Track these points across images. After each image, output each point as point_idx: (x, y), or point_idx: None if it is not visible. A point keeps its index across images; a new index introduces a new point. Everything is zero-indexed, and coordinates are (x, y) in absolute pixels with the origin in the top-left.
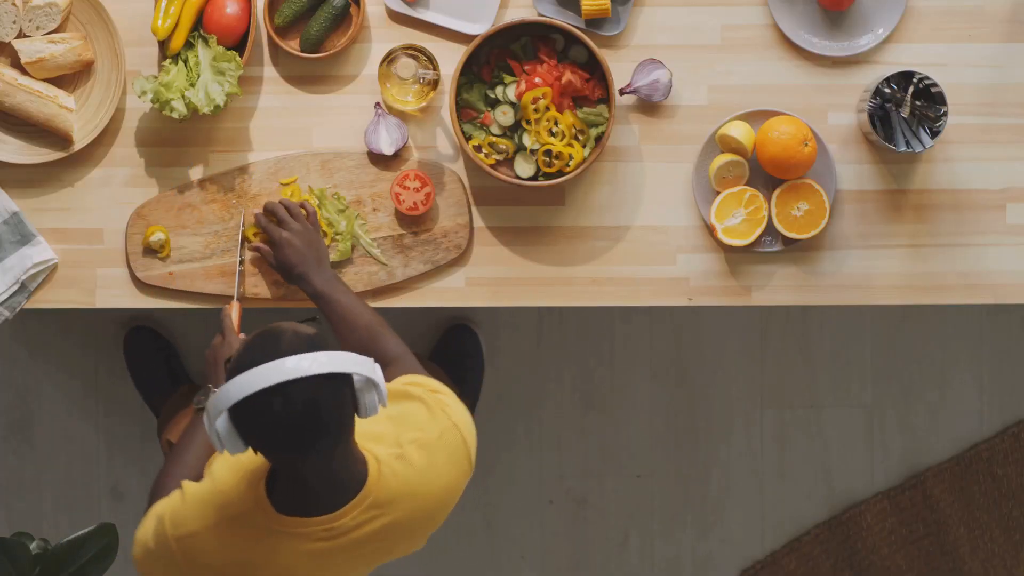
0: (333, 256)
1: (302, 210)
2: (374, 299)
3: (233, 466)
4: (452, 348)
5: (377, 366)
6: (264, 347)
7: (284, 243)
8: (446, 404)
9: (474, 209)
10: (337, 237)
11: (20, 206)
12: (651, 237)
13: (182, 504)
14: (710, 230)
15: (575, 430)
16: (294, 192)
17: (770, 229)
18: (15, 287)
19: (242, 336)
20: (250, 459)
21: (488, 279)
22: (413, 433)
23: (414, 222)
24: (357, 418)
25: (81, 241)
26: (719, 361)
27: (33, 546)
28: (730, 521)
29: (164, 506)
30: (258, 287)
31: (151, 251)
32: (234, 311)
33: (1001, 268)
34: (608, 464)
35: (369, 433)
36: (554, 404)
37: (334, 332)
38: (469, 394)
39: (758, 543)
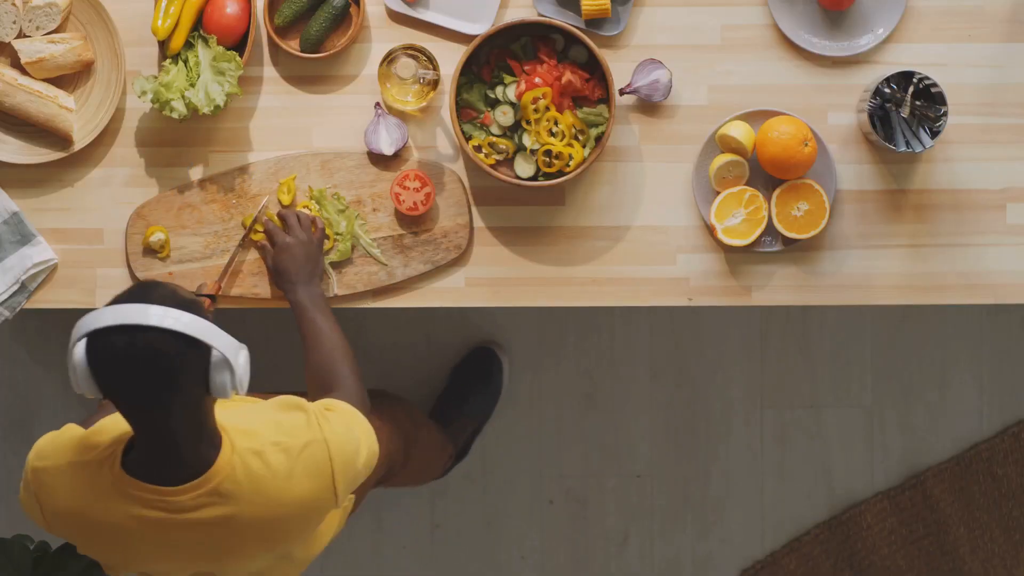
0: (333, 256)
1: (312, 226)
2: (374, 299)
3: (114, 424)
4: (471, 368)
5: (243, 349)
6: (136, 292)
7: (286, 247)
8: (327, 418)
9: (474, 209)
10: (337, 237)
11: (20, 206)
12: (651, 237)
13: (53, 440)
14: (710, 230)
15: (575, 430)
16: (290, 190)
17: (770, 229)
18: (15, 287)
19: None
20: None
21: (488, 279)
22: (281, 437)
23: (414, 222)
24: (247, 410)
25: (81, 241)
26: (719, 361)
27: (33, 547)
28: (730, 521)
29: (40, 441)
30: (257, 287)
31: (151, 251)
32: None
33: (1001, 268)
34: (608, 464)
35: (245, 430)
36: (554, 404)
37: (302, 346)
38: (477, 415)
39: (758, 543)
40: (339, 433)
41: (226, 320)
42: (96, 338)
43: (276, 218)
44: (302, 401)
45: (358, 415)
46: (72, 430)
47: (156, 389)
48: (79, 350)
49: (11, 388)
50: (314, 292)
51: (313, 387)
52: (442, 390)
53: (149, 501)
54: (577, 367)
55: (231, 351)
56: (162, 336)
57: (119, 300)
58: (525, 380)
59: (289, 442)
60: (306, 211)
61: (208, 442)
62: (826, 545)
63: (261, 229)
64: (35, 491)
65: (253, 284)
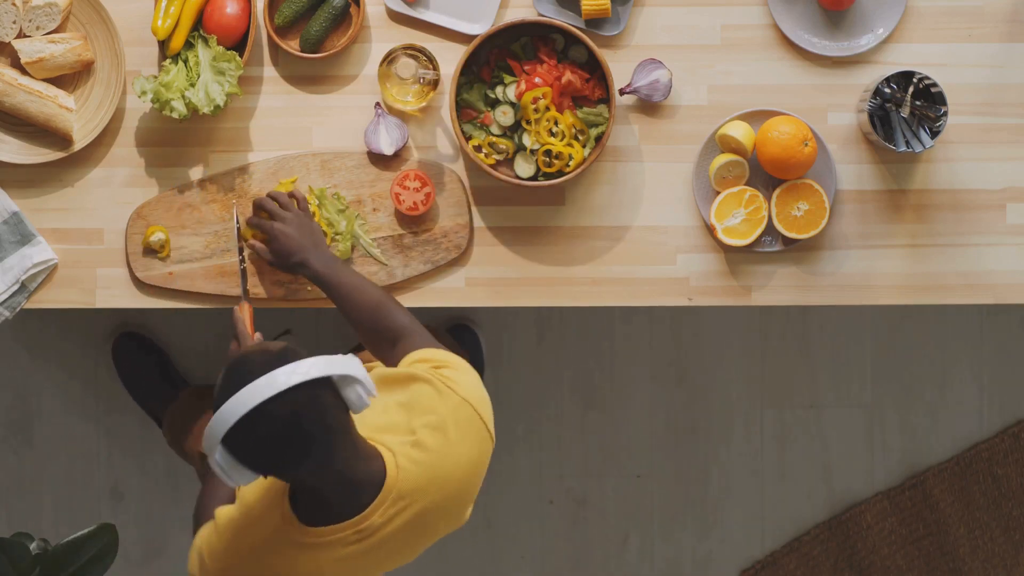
0: None
1: (292, 200)
2: None
3: (260, 484)
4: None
5: (353, 360)
6: (234, 376)
7: (278, 233)
8: (452, 380)
9: (474, 209)
10: (337, 237)
11: (20, 206)
12: (651, 237)
13: (216, 536)
14: (710, 230)
15: (575, 430)
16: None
17: (770, 229)
18: (15, 287)
19: (258, 336)
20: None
21: (488, 279)
22: (424, 417)
23: (414, 222)
24: (360, 414)
25: (81, 241)
26: (719, 361)
27: (33, 546)
28: (730, 521)
29: (202, 539)
30: (258, 287)
31: (151, 251)
32: (244, 312)
33: (1001, 268)
34: (608, 464)
35: (381, 424)
36: (554, 404)
37: (341, 312)
38: None
39: (758, 543)
40: (469, 384)
41: (226, 319)
42: (233, 435)
43: (262, 211)
44: (409, 371)
45: (454, 356)
46: (225, 516)
47: (305, 447)
48: (219, 455)
49: (11, 388)
50: (326, 257)
51: (376, 345)
52: None
53: (347, 539)
54: (577, 367)
55: (342, 366)
56: (290, 396)
57: (224, 393)
58: (525, 380)
59: (434, 419)
60: (281, 192)
61: (368, 457)
62: (826, 545)
63: (249, 231)
64: None
65: (253, 284)
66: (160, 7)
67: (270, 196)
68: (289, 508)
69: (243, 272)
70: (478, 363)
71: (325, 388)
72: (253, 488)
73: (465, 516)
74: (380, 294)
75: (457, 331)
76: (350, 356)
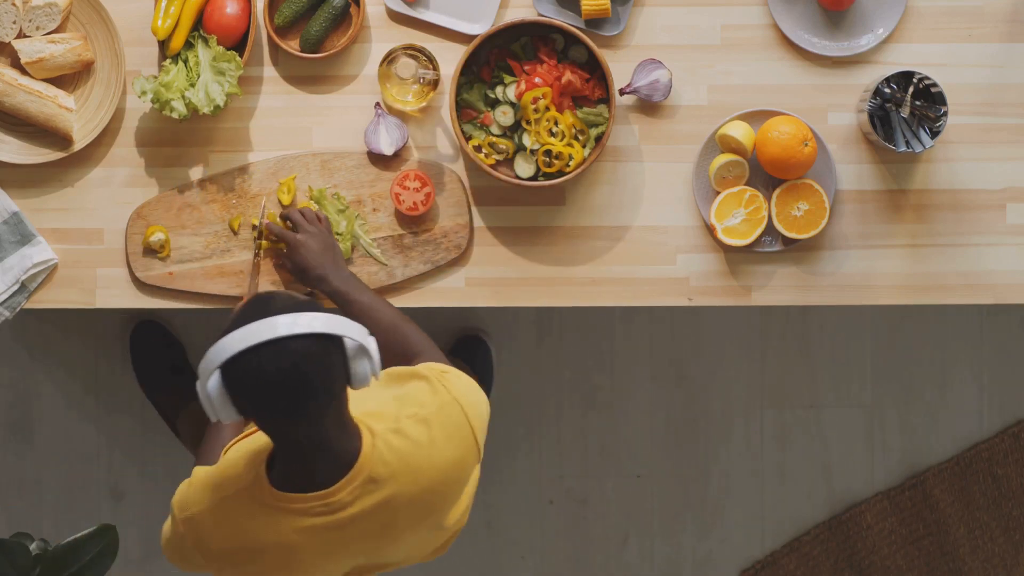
0: None
1: (317, 218)
2: None
3: (241, 449)
4: (460, 358)
5: (372, 337)
6: (255, 308)
7: (300, 245)
8: (449, 380)
9: (474, 209)
10: (337, 237)
11: (20, 206)
12: (651, 237)
13: (188, 488)
14: (710, 230)
15: (575, 430)
16: (290, 190)
17: (770, 229)
18: (15, 287)
19: None
20: (256, 442)
21: (488, 279)
22: (412, 409)
23: (414, 222)
24: (357, 393)
25: (81, 241)
26: (719, 361)
27: (33, 547)
28: (730, 521)
29: (177, 495)
30: (263, 288)
31: (151, 251)
32: None
33: (1001, 268)
34: (608, 464)
35: (372, 412)
36: (554, 404)
37: None
38: None
39: (758, 543)
40: (465, 389)
41: None
42: (233, 365)
43: (279, 220)
44: (413, 369)
45: (461, 372)
46: (201, 473)
47: (305, 398)
48: (214, 382)
49: (11, 388)
50: (344, 275)
51: (391, 363)
52: None
53: (311, 509)
54: (577, 367)
55: (360, 336)
56: (300, 343)
57: (240, 321)
58: (525, 380)
59: (422, 412)
60: (308, 208)
61: (351, 434)
62: (826, 545)
63: (266, 234)
64: (192, 542)
65: (266, 285)
66: (160, 7)
67: (298, 210)
68: (264, 469)
69: (256, 266)
70: (487, 374)
71: (336, 349)
72: (234, 451)
73: (446, 521)
74: (396, 315)
75: (468, 342)
76: (371, 335)
